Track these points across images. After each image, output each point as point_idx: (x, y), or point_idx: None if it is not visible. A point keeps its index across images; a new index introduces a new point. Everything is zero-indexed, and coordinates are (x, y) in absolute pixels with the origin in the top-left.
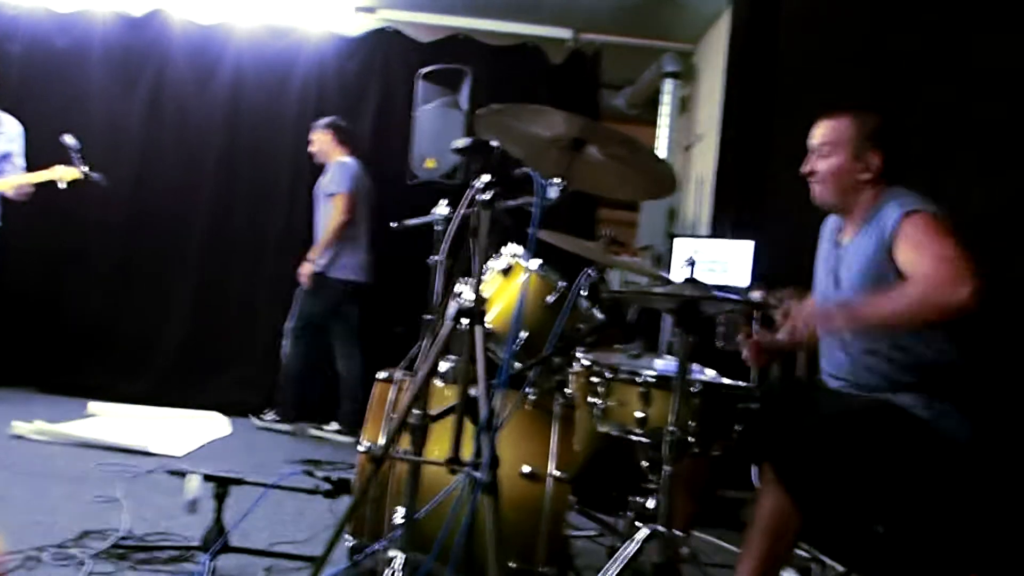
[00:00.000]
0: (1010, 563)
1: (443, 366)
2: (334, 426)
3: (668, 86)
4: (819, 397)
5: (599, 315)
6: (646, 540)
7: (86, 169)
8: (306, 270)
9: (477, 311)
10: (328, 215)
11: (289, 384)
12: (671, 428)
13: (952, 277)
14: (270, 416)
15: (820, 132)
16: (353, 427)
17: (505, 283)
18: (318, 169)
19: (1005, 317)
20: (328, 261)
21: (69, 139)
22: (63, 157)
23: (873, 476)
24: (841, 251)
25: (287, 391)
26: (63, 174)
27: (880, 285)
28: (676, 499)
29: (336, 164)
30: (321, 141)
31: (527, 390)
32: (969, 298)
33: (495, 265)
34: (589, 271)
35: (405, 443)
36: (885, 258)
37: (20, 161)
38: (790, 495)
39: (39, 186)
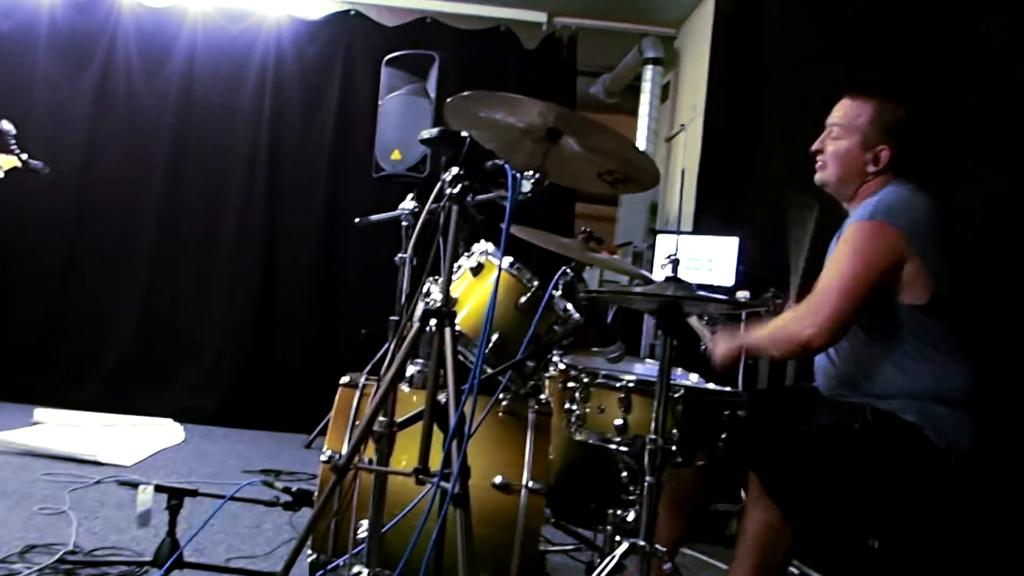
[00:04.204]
0: None
1: (410, 370)
2: None
3: (648, 73)
4: (808, 403)
5: (575, 316)
6: (626, 555)
7: (24, 156)
8: None
9: (446, 312)
10: None
11: None
12: (652, 436)
13: (806, 320)
14: None
15: (838, 111)
16: None
17: (476, 282)
18: (275, 162)
19: (1006, 316)
20: None
21: (5, 124)
22: None
23: (864, 486)
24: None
25: None
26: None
27: None
28: (660, 515)
29: None
30: None
31: (499, 396)
32: (809, 341)
33: (465, 263)
34: (565, 269)
35: (370, 452)
36: None
37: None
38: (778, 506)
39: None
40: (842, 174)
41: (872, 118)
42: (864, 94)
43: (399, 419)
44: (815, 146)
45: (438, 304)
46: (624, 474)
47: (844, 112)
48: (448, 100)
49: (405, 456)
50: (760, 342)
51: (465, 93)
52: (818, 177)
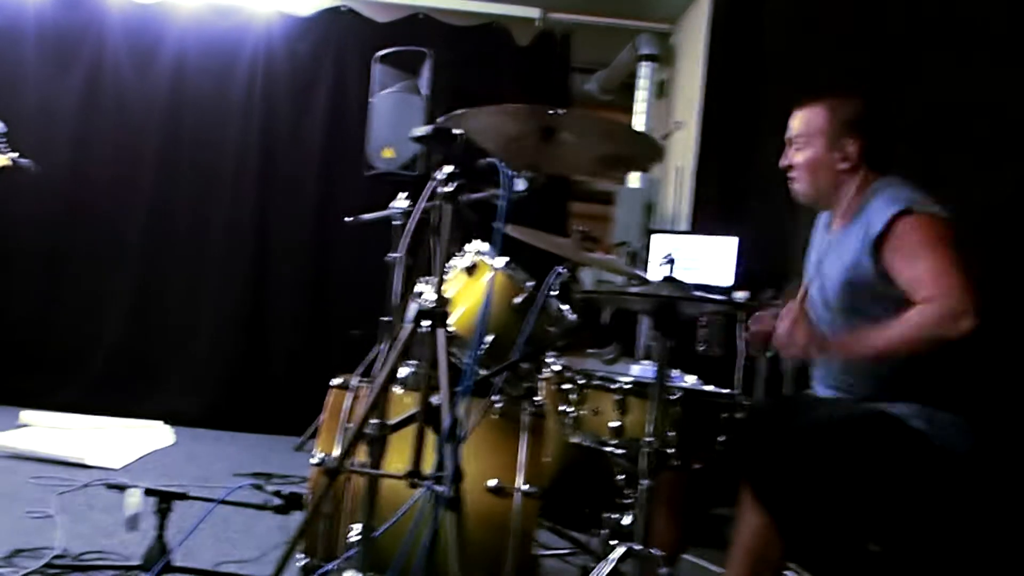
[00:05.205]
0: None
1: (403, 372)
2: None
3: (644, 69)
4: (804, 408)
5: (571, 317)
6: (621, 559)
7: (14, 155)
8: None
9: (439, 313)
10: None
11: None
12: (649, 439)
13: (953, 308)
14: None
15: (795, 123)
16: None
17: (469, 282)
18: (265, 159)
19: (1006, 316)
20: None
21: None
22: None
23: (864, 491)
24: (829, 243)
25: None
26: None
27: (861, 293)
28: (657, 519)
29: None
30: None
31: (493, 398)
32: (969, 330)
33: (458, 263)
34: (560, 269)
35: (362, 455)
36: (869, 261)
37: None
38: (772, 518)
39: None
40: (816, 180)
41: (829, 118)
42: (815, 100)
43: (392, 421)
44: (783, 162)
45: (431, 305)
46: (619, 477)
47: (801, 122)
48: (439, 120)
49: (397, 459)
50: (891, 346)
51: (457, 112)
52: (797, 192)
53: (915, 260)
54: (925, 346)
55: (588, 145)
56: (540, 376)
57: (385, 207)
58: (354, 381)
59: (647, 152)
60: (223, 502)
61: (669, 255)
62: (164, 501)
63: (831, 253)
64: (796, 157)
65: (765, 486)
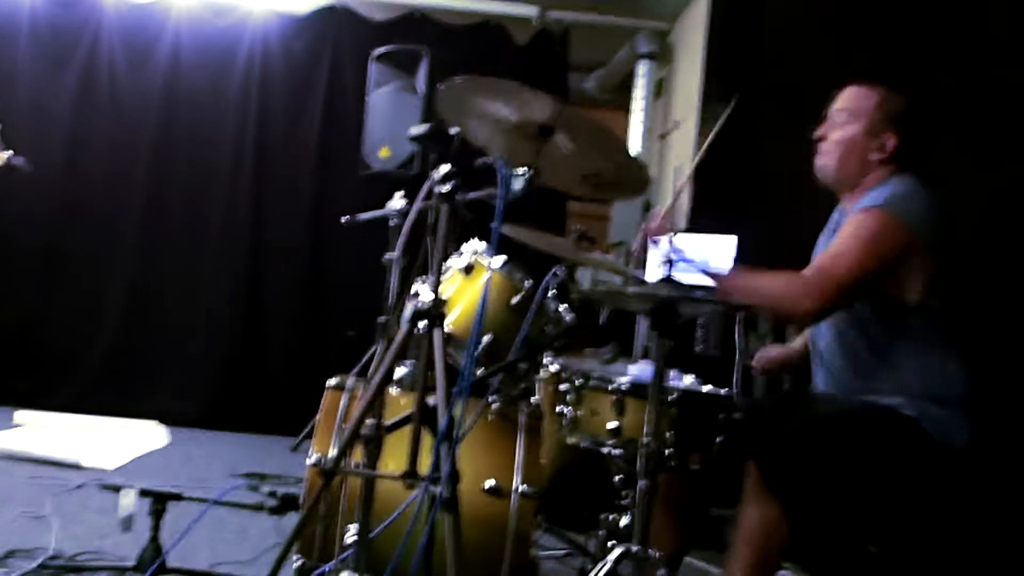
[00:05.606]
0: None
1: (399, 372)
2: None
3: (642, 68)
4: (807, 399)
5: (568, 317)
6: (619, 561)
7: (8, 153)
8: None
9: (436, 313)
10: None
11: None
12: (646, 439)
13: (806, 290)
14: None
15: (842, 97)
16: None
17: (466, 283)
18: (261, 158)
19: (1007, 313)
20: None
21: None
22: None
23: (862, 479)
24: (834, 231)
25: None
26: None
27: None
28: (656, 521)
29: None
30: None
31: (490, 398)
32: (805, 316)
33: (455, 263)
34: (557, 270)
35: (358, 455)
36: None
37: None
38: (776, 497)
39: None
40: (844, 162)
41: (878, 105)
42: (870, 82)
43: (388, 422)
44: (818, 133)
45: (427, 305)
46: (617, 478)
47: (850, 99)
48: (441, 85)
49: (393, 460)
50: (745, 288)
51: (460, 78)
52: (818, 163)
53: (838, 243)
54: (768, 308)
55: (580, 156)
56: (537, 376)
57: (382, 206)
58: (350, 381)
59: (634, 180)
60: (218, 503)
61: (668, 255)
62: (159, 502)
63: (830, 242)
64: (834, 132)
65: (772, 468)
